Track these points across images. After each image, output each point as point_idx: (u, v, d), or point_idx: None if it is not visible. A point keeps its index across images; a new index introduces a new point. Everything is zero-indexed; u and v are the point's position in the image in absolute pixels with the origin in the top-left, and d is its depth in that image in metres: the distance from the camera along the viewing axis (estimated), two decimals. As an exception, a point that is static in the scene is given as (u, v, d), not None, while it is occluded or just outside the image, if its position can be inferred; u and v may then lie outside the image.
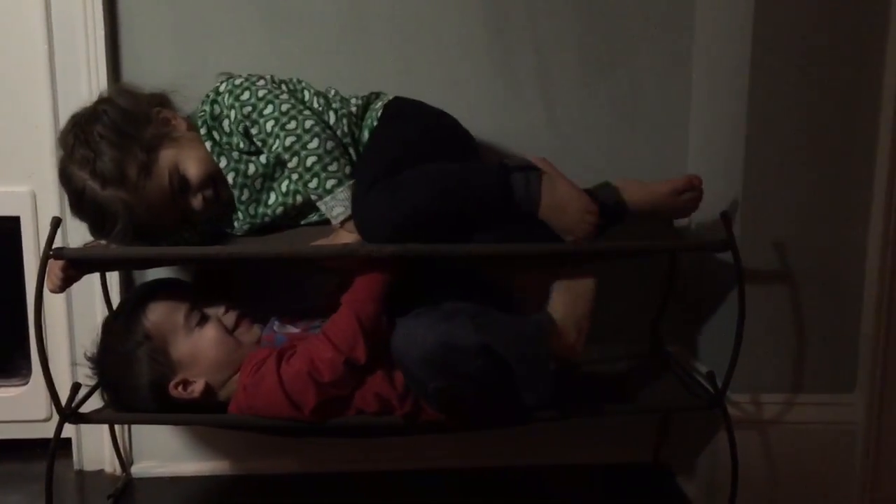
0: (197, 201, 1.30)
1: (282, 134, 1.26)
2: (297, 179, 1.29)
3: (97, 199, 1.23)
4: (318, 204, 1.29)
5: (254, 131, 1.29)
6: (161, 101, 1.33)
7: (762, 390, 1.42)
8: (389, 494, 1.56)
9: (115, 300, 1.50)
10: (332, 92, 1.39)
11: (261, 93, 1.29)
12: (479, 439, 1.58)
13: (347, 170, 1.29)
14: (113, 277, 1.52)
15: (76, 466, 1.63)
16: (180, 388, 1.28)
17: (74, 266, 1.25)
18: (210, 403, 1.29)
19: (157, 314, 1.29)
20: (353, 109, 1.37)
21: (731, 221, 1.28)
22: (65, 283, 1.26)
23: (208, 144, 1.31)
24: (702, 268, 1.54)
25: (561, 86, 1.56)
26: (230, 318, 1.32)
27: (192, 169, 1.28)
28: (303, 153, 1.26)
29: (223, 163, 1.31)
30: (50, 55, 1.50)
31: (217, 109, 1.32)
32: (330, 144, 1.28)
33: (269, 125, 1.27)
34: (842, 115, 1.36)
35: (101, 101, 1.31)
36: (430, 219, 1.22)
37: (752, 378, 1.40)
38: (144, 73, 1.46)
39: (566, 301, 1.27)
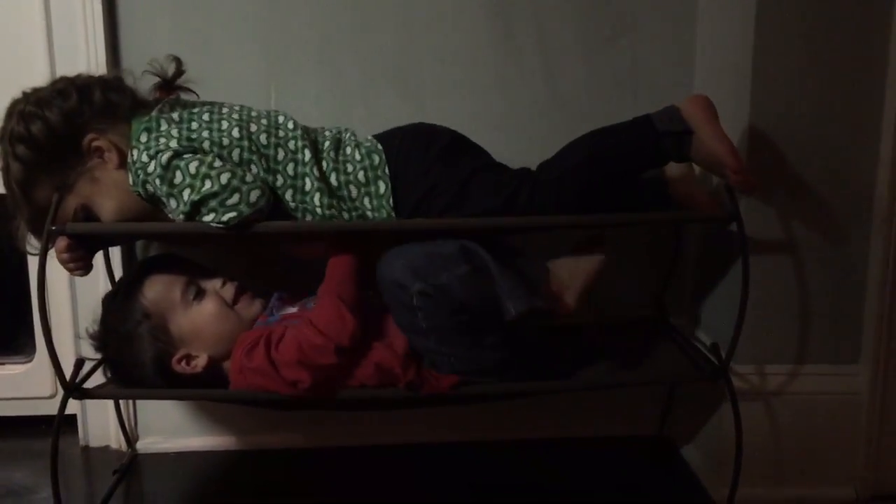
0: None
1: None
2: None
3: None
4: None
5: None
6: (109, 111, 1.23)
7: (766, 361, 1.42)
8: (395, 468, 1.57)
9: (118, 275, 1.49)
10: (282, 119, 1.30)
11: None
12: (483, 412, 1.58)
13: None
14: (115, 252, 1.52)
15: (81, 442, 1.64)
16: (183, 363, 1.28)
17: (74, 238, 1.24)
18: (214, 376, 1.29)
19: (153, 291, 1.29)
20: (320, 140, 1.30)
21: (735, 193, 1.27)
22: (75, 263, 1.27)
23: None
24: (705, 239, 1.53)
25: (562, 58, 1.55)
26: (228, 291, 1.32)
27: (105, 216, 1.24)
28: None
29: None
30: (48, 33, 1.49)
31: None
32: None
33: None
34: (847, 86, 1.35)
35: (44, 102, 1.21)
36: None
37: (756, 349, 1.40)
38: (143, 52, 1.44)
39: (568, 265, 1.28)
